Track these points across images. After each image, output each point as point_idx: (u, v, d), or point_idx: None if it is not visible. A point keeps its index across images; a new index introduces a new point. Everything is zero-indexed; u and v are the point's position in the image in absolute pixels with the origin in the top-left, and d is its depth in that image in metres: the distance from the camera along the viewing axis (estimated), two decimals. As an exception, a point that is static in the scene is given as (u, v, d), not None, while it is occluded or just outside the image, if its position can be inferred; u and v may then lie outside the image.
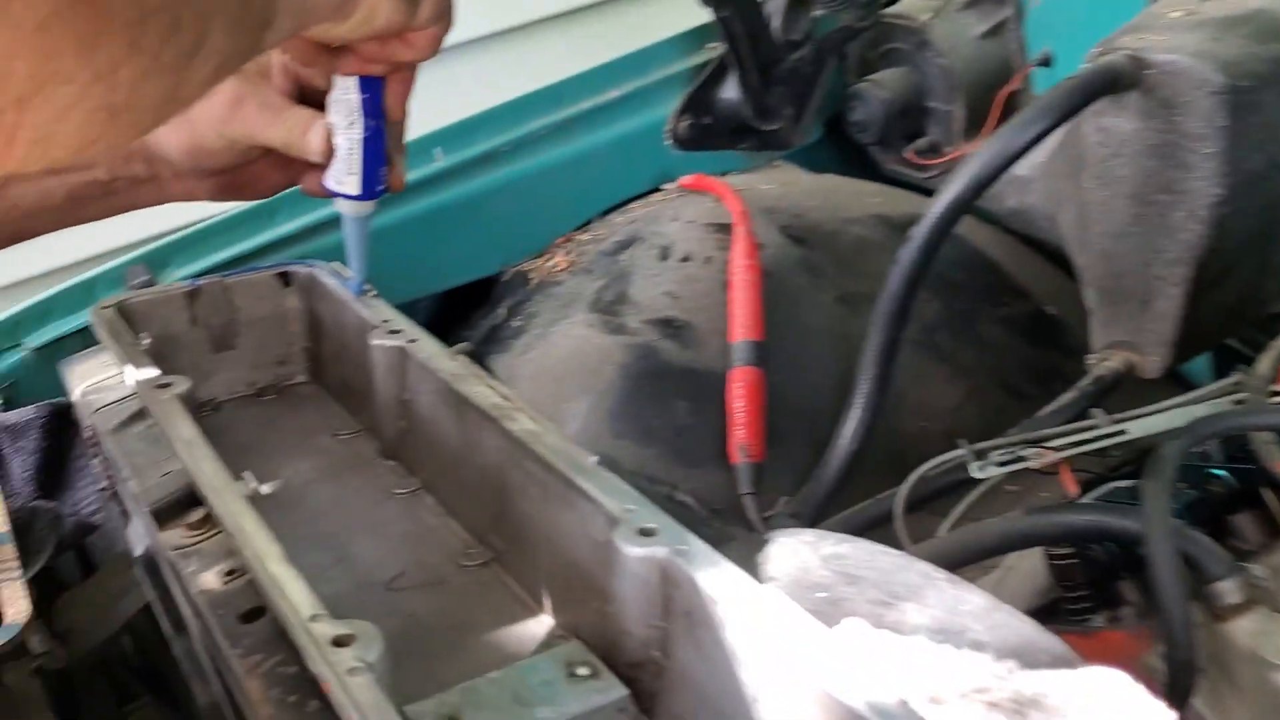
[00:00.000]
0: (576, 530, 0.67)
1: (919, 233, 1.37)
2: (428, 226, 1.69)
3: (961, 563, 1.11)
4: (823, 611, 0.65)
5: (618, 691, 0.61)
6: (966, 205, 1.35)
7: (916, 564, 0.66)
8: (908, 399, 1.59)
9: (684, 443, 1.56)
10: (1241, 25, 1.35)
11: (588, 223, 1.84)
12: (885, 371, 1.47)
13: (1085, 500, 1.11)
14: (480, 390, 0.77)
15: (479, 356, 1.06)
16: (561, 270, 1.76)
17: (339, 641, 0.55)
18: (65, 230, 1.07)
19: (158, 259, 1.54)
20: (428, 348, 0.84)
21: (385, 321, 0.89)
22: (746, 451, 1.52)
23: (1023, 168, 1.72)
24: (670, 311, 1.63)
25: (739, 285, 1.60)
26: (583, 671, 0.62)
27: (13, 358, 1.46)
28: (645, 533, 0.61)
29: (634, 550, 0.60)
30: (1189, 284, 1.43)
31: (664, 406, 1.57)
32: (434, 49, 0.87)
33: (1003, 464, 1.40)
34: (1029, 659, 0.55)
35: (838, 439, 1.51)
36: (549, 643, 0.70)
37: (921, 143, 1.89)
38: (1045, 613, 1.21)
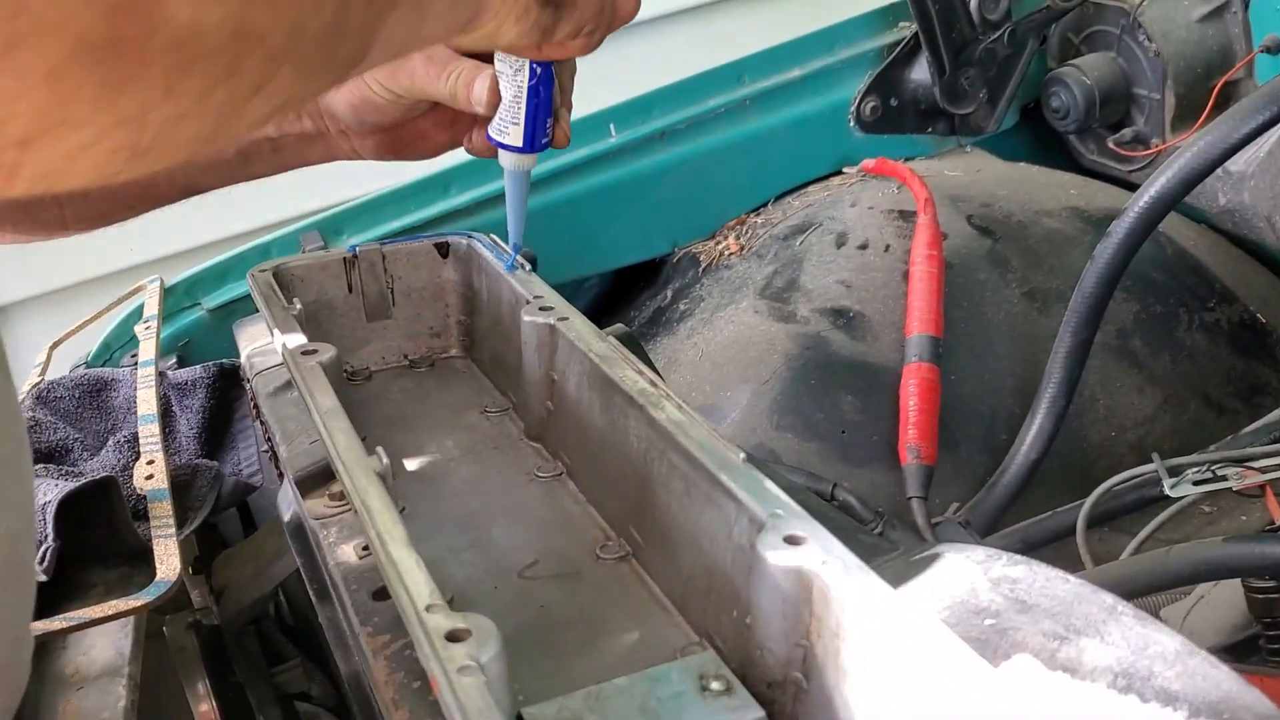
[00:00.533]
0: (719, 531, 0.62)
1: (1119, 228, 1.27)
2: (598, 204, 1.66)
3: (1149, 589, 1.02)
4: (989, 641, 0.58)
5: (753, 712, 0.56)
6: (1173, 201, 1.25)
7: (1101, 595, 0.58)
8: (1096, 407, 1.48)
9: (850, 439, 1.49)
10: None
11: (763, 205, 1.78)
12: (1073, 376, 1.37)
13: (1294, 531, 1.00)
14: (628, 374, 0.72)
15: (637, 339, 1.02)
16: (732, 253, 1.71)
17: (453, 636, 0.51)
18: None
19: (331, 226, 1.56)
20: (578, 327, 0.80)
21: (538, 297, 0.86)
22: (917, 453, 1.44)
23: (1238, 163, 1.59)
24: (843, 301, 1.56)
25: (919, 277, 1.52)
26: (716, 686, 0.57)
27: (190, 317, 1.50)
28: (792, 540, 0.55)
29: (778, 559, 0.55)
30: None
31: (830, 400, 1.50)
32: (585, 52, 0.82)
33: (1199, 482, 1.29)
34: (1229, 716, 0.48)
35: (1018, 445, 1.42)
36: (683, 650, 0.65)
37: (1126, 133, 1.77)
38: (1241, 649, 1.11)
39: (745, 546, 0.59)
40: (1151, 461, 1.30)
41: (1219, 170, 1.60)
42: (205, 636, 1.25)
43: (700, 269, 1.72)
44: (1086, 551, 1.24)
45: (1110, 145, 1.78)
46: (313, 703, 1.36)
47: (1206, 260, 1.61)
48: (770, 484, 0.61)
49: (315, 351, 0.81)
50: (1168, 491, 1.27)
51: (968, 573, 0.66)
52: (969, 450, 1.48)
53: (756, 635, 0.58)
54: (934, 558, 0.71)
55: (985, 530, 1.38)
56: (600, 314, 1.79)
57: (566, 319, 0.82)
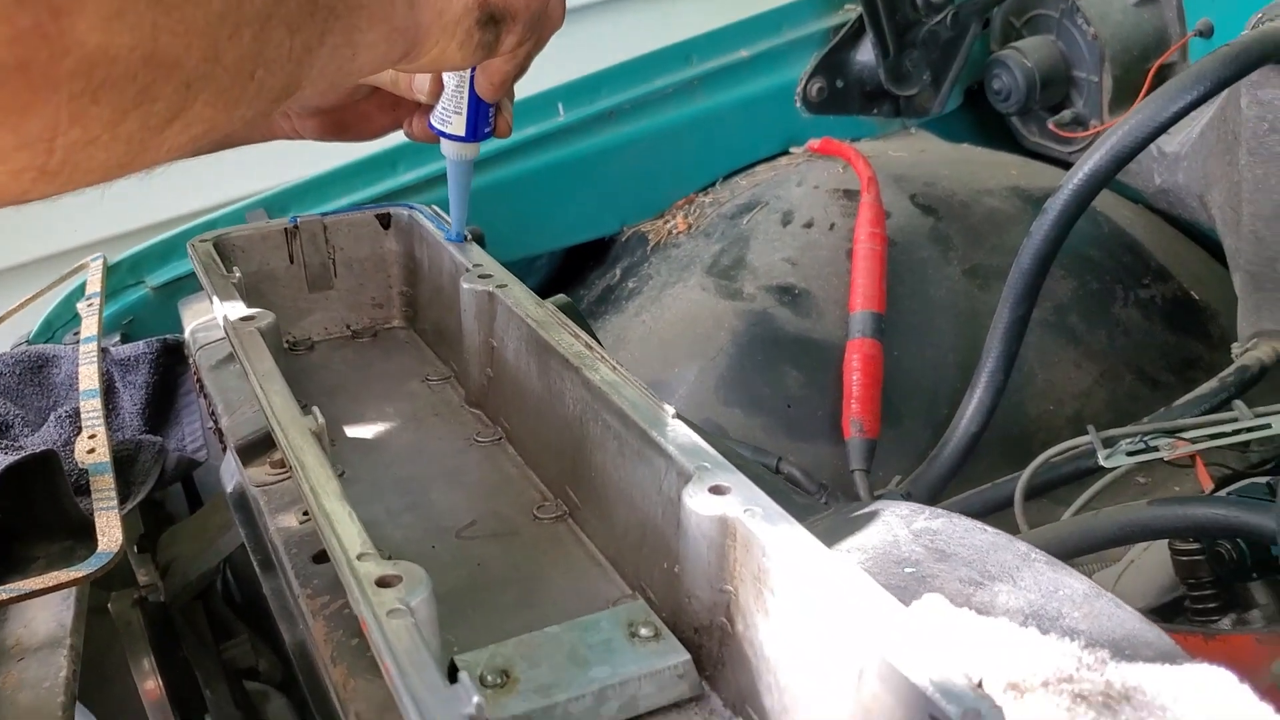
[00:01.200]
0: (649, 486, 0.64)
1: (1054, 205, 1.29)
2: (547, 183, 1.67)
3: (1078, 551, 1.04)
4: (908, 588, 0.60)
5: (679, 655, 0.57)
6: (1106, 178, 1.27)
7: (1016, 544, 0.60)
8: (1034, 381, 1.51)
9: (795, 414, 1.51)
10: None
11: (711, 185, 1.80)
12: (1012, 350, 1.40)
13: (1219, 495, 1.03)
14: (564, 338, 0.73)
15: (575, 307, 1.03)
16: (680, 232, 1.72)
17: (383, 582, 0.52)
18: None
19: (277, 205, 1.56)
20: (516, 293, 0.81)
21: (477, 265, 0.86)
22: (860, 426, 1.46)
23: (1172, 144, 1.62)
24: (789, 278, 1.58)
25: (862, 254, 1.54)
26: (645, 633, 0.59)
27: (134, 295, 1.49)
28: (716, 490, 0.57)
29: (703, 507, 0.56)
30: (1356, 270, 1.33)
31: (776, 375, 1.52)
32: (528, 60, 0.83)
33: (1133, 453, 1.32)
34: (1129, 652, 0.50)
35: (958, 419, 1.44)
36: (616, 603, 0.66)
37: (1065, 115, 1.80)
38: (1168, 611, 1.14)
39: (674, 499, 0.61)
40: (1088, 434, 1.33)
41: (1154, 152, 1.64)
42: (151, 613, 1.25)
43: (649, 248, 1.73)
44: (1024, 521, 1.26)
45: (1050, 127, 1.81)
46: (260, 679, 1.36)
47: (1143, 239, 1.64)
48: (699, 439, 0.62)
49: (254, 318, 0.81)
50: (1102, 462, 1.30)
51: (891, 526, 0.68)
52: (911, 424, 1.51)
53: (684, 583, 0.60)
54: (862, 514, 0.73)
55: (927, 501, 1.41)
56: (550, 293, 1.79)
57: (505, 286, 0.84)
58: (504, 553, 0.73)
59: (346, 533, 0.56)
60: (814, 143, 1.77)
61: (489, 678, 0.56)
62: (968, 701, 0.42)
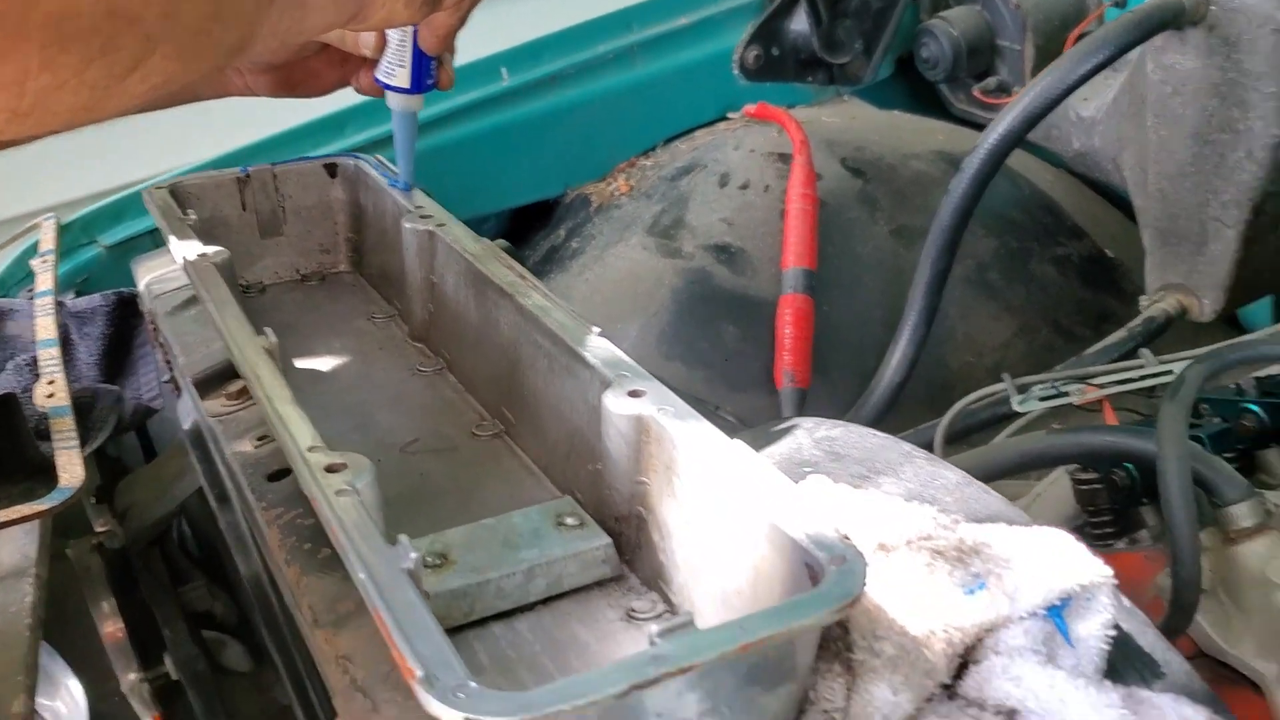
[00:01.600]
0: (577, 397, 0.70)
1: (970, 164, 1.37)
2: (492, 145, 1.72)
3: (983, 479, 1.12)
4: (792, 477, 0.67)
5: (600, 539, 0.64)
6: (1018, 138, 1.35)
7: (900, 444, 0.67)
8: (955, 334, 1.59)
9: (732, 367, 1.58)
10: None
11: (652, 149, 1.86)
12: (933, 304, 1.48)
13: (1108, 424, 1.11)
14: (499, 269, 0.80)
15: (514, 249, 1.09)
16: (622, 194, 1.79)
17: (331, 468, 0.58)
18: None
19: (229, 164, 1.60)
20: (455, 231, 0.87)
21: (419, 207, 0.92)
22: (793, 377, 1.54)
23: (1089, 109, 1.71)
24: (725, 238, 1.64)
25: (794, 214, 1.61)
26: (571, 522, 0.65)
27: (87, 254, 1.53)
28: (633, 394, 0.63)
29: (621, 408, 0.62)
30: (1245, 226, 1.41)
31: (714, 331, 1.59)
32: (465, 14, 0.88)
33: (1045, 399, 1.40)
34: (988, 524, 0.57)
35: (883, 370, 1.52)
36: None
37: (990, 82, 1.87)
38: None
39: (596, 405, 0.67)
40: (1002, 381, 1.41)
41: (1073, 116, 1.72)
42: (109, 558, 1.30)
43: (592, 209, 1.79)
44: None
45: (976, 94, 1.89)
46: (215, 625, 1.41)
47: (1061, 200, 1.72)
48: (620, 352, 0.69)
49: (209, 255, 0.87)
50: (1016, 407, 1.38)
51: (797, 436, 0.75)
52: (840, 375, 1.58)
53: (606, 479, 0.67)
54: (778, 429, 0.80)
55: (853, 448, 1.48)
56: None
57: (444, 225, 0.90)
58: (445, 466, 0.79)
59: (299, 430, 0.62)
60: (750, 108, 1.83)
61: (429, 559, 0.62)
62: (837, 550, 0.49)
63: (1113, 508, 1.14)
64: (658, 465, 0.62)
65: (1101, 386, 1.41)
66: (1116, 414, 1.42)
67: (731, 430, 1.33)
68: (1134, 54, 1.42)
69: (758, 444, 0.78)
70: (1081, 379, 1.42)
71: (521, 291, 0.77)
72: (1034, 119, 1.32)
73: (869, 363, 1.57)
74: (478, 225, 1.77)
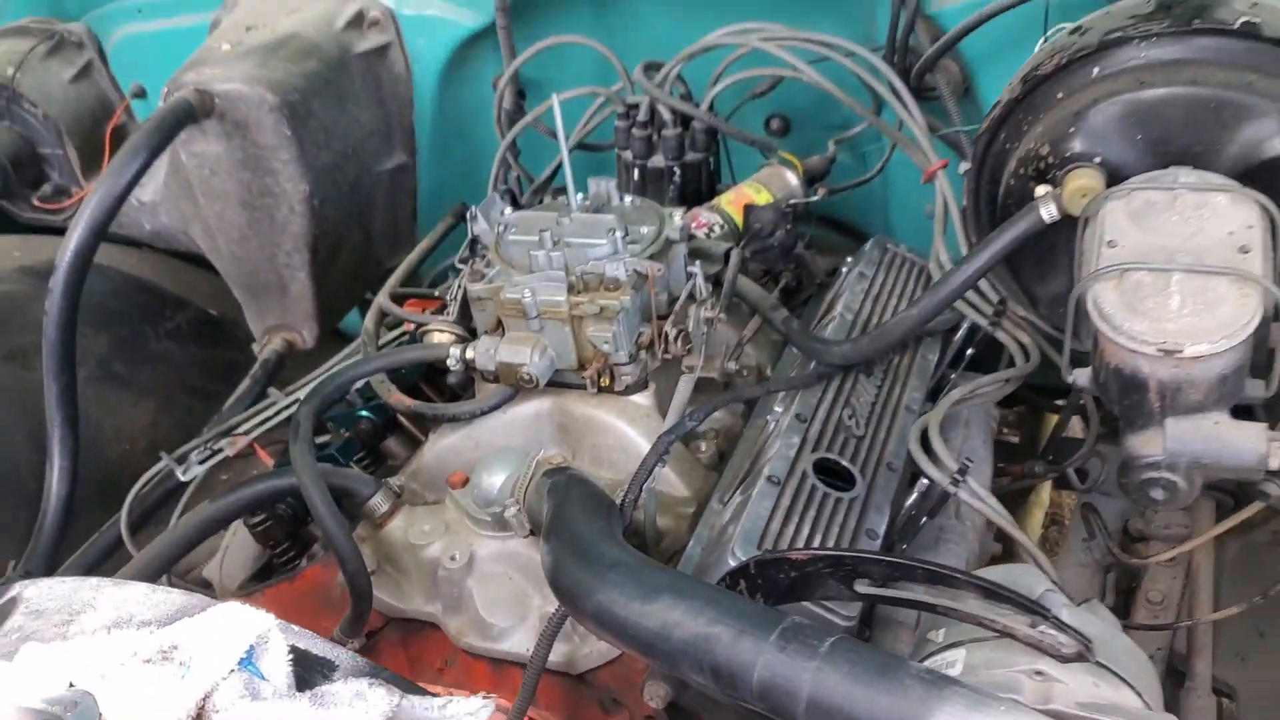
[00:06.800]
0: None
1: (56, 283, 1.45)
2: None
3: (175, 558, 1.25)
4: (10, 650, 0.77)
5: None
6: (92, 248, 1.46)
7: (87, 582, 0.80)
8: (105, 431, 1.68)
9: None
10: (280, 50, 1.59)
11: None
12: (72, 414, 1.55)
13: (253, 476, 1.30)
14: None
15: None
16: None
17: None
18: None
19: None
20: None
21: None
22: None
23: (147, 194, 1.86)
24: None
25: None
26: None
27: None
28: None
29: None
30: (310, 265, 1.67)
31: None
32: None
33: (204, 460, 1.57)
34: (175, 618, 0.73)
35: (47, 489, 1.56)
36: None
37: (47, 189, 1.94)
38: (266, 571, 1.41)
39: None
40: (162, 459, 1.54)
41: (135, 203, 1.87)
42: None
43: None
44: (135, 550, 1.44)
45: (36, 202, 1.95)
46: None
47: (155, 278, 1.88)
48: None
49: None
50: (182, 478, 1.52)
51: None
52: (7, 510, 1.60)
53: None
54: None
55: (49, 571, 1.52)
56: None
57: None
58: None
59: None
60: None
61: None
62: (68, 699, 0.62)
63: (288, 535, 1.36)
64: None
65: (247, 433, 1.60)
66: (267, 450, 1.63)
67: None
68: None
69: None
70: (228, 432, 1.60)
71: None
72: (101, 228, 1.44)
73: (30, 487, 1.61)
74: None
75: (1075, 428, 1.55)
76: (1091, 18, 1.20)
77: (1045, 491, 2.01)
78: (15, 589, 0.84)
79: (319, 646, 0.76)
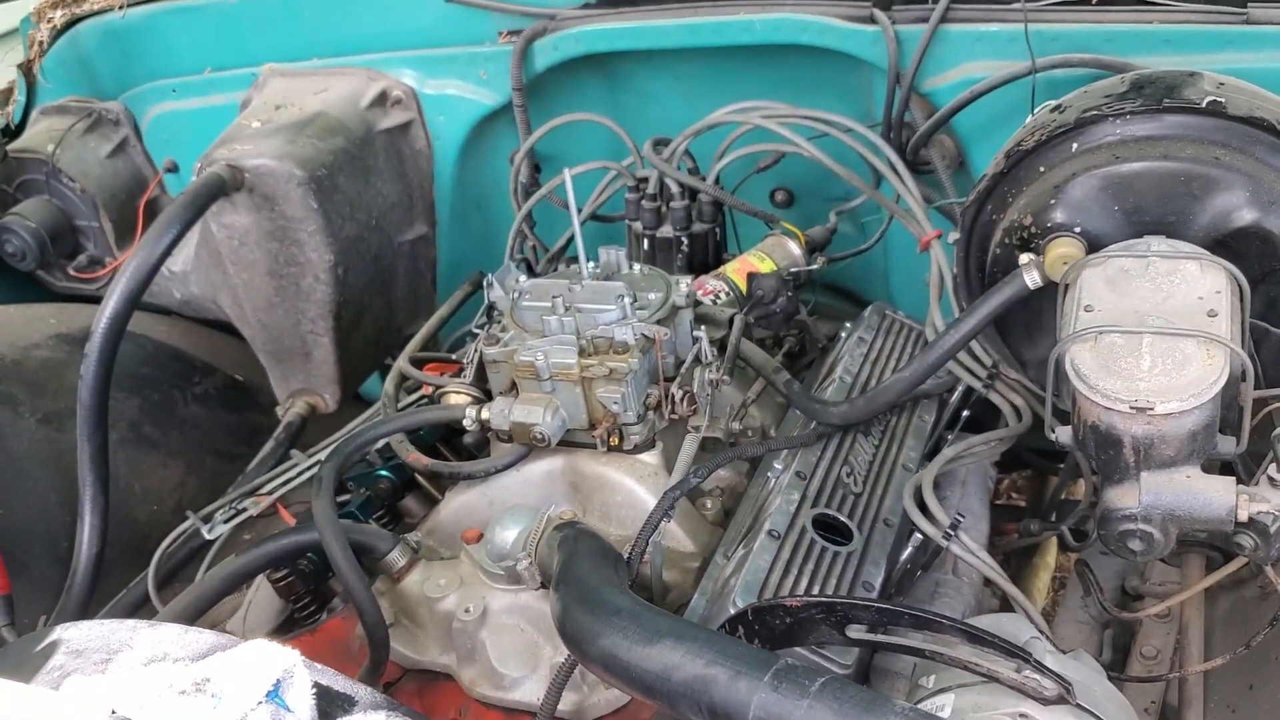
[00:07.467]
0: None
1: (91, 349, 1.52)
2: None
3: (204, 609, 1.31)
4: (54, 684, 0.82)
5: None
6: (126, 316, 1.53)
7: (124, 624, 0.86)
8: (134, 492, 1.75)
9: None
10: (308, 127, 1.68)
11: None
12: (103, 474, 1.61)
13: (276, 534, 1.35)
14: None
15: None
16: None
17: None
18: None
19: None
20: None
21: None
22: (-10, 588, 1.58)
23: (178, 263, 1.95)
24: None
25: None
26: None
27: None
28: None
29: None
30: (334, 332, 1.75)
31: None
32: None
33: (229, 519, 1.63)
34: (217, 652, 0.79)
35: (78, 547, 1.62)
36: None
37: (81, 259, 2.03)
38: (288, 625, 1.47)
39: None
40: (189, 518, 1.60)
41: (167, 273, 1.95)
42: None
43: None
44: (160, 604, 1.49)
45: (71, 272, 2.03)
46: None
47: (184, 345, 1.95)
48: None
49: None
50: (208, 536, 1.58)
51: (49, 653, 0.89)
52: (40, 568, 1.66)
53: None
54: (35, 651, 0.92)
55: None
56: None
57: None
58: None
59: None
60: None
61: None
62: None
63: (308, 590, 1.41)
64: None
65: (270, 493, 1.67)
66: (290, 509, 1.69)
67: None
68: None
69: (19, 670, 0.91)
70: (252, 492, 1.67)
71: None
72: (135, 298, 1.51)
73: (62, 545, 1.67)
74: None
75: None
76: (1070, 97, 1.28)
77: (1052, 554, 2.05)
78: (56, 632, 0.90)
79: (340, 683, 0.81)
